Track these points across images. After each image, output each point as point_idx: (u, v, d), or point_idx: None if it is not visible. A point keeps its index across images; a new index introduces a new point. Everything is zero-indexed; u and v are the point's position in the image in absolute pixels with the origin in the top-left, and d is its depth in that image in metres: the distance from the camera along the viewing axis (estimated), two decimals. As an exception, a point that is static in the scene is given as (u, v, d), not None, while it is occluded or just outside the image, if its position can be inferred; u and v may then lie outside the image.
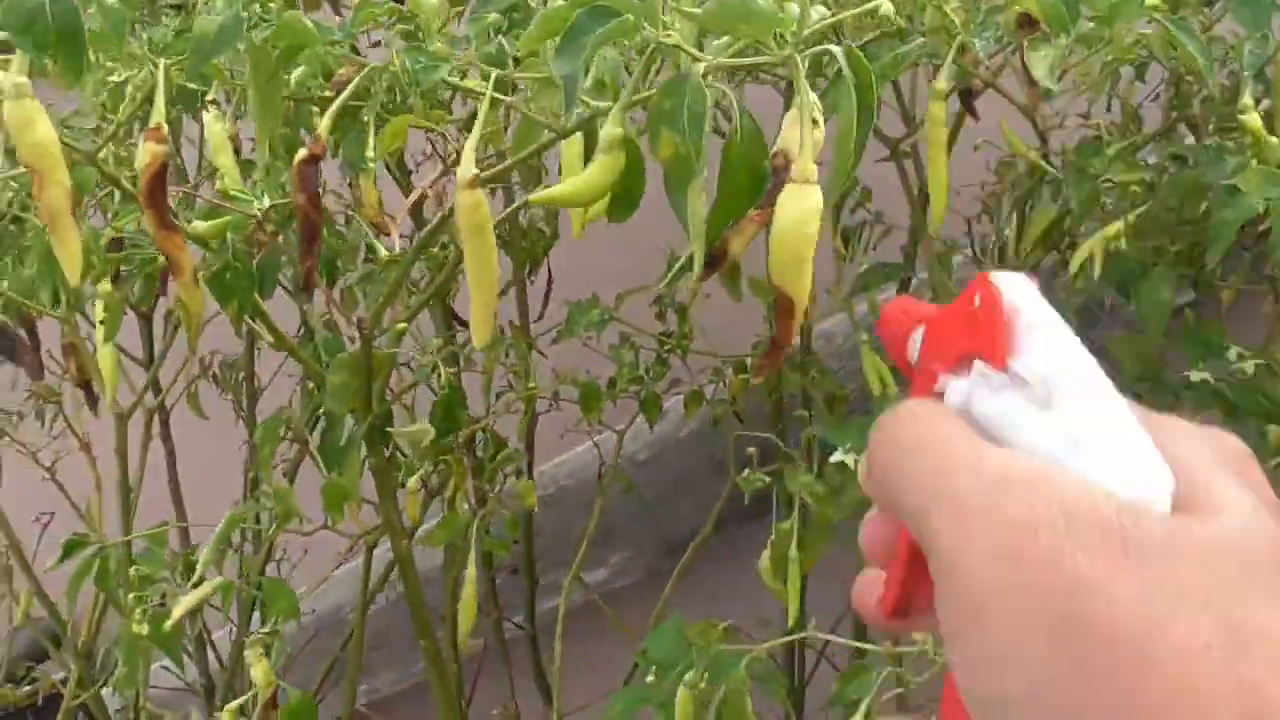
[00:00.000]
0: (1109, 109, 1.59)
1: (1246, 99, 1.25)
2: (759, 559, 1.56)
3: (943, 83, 1.14)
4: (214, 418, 2.15)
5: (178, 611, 1.20)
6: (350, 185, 1.38)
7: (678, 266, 0.85)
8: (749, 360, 1.80)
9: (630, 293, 1.72)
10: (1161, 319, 1.29)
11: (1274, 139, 1.12)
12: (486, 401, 1.67)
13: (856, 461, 1.44)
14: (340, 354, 1.13)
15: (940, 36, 1.22)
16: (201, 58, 0.83)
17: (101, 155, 0.98)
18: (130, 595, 1.20)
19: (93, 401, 1.47)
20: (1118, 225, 1.28)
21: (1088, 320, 1.75)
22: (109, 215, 1.21)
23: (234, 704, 1.24)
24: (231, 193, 1.12)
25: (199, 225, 1.03)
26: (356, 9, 0.87)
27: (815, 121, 0.77)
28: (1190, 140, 1.45)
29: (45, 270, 1.19)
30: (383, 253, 1.23)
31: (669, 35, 0.69)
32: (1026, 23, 1.19)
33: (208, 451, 2.18)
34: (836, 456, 1.43)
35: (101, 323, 1.10)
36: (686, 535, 2.94)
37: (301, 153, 0.84)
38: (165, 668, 1.82)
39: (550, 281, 2.20)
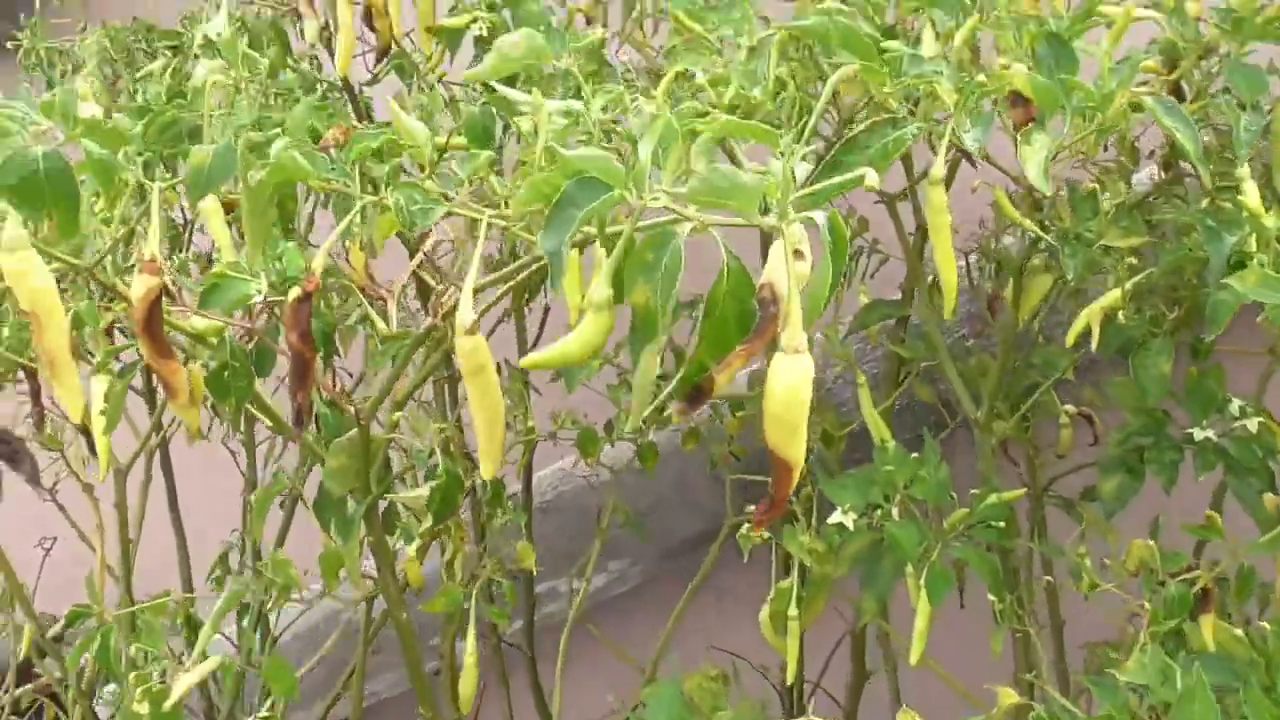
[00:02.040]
0: (1105, 148, 1.58)
1: (1242, 170, 1.24)
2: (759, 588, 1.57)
3: (940, 170, 1.14)
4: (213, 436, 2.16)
5: (178, 691, 1.21)
6: (345, 254, 1.38)
7: (664, 395, 0.84)
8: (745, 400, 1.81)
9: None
10: (1160, 390, 1.30)
11: (1271, 221, 1.12)
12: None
13: (855, 521, 1.45)
14: (338, 439, 1.14)
15: (934, 120, 1.22)
16: (199, 189, 0.83)
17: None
18: (131, 674, 1.21)
19: (94, 448, 1.48)
20: (1115, 294, 1.28)
21: (1090, 367, 1.75)
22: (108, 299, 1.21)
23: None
24: (228, 274, 1.12)
25: (198, 323, 1.03)
26: (351, 143, 0.87)
27: (799, 252, 0.77)
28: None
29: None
30: (381, 327, 1.23)
31: (656, 199, 0.69)
32: (1018, 101, 1.19)
33: (208, 473, 2.20)
34: (835, 517, 1.44)
35: (102, 413, 1.10)
36: (685, 542, 2.96)
37: (295, 291, 0.84)
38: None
39: (547, 311, 2.20)
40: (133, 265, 1.07)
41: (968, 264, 1.94)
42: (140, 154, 0.88)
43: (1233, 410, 1.47)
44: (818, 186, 0.70)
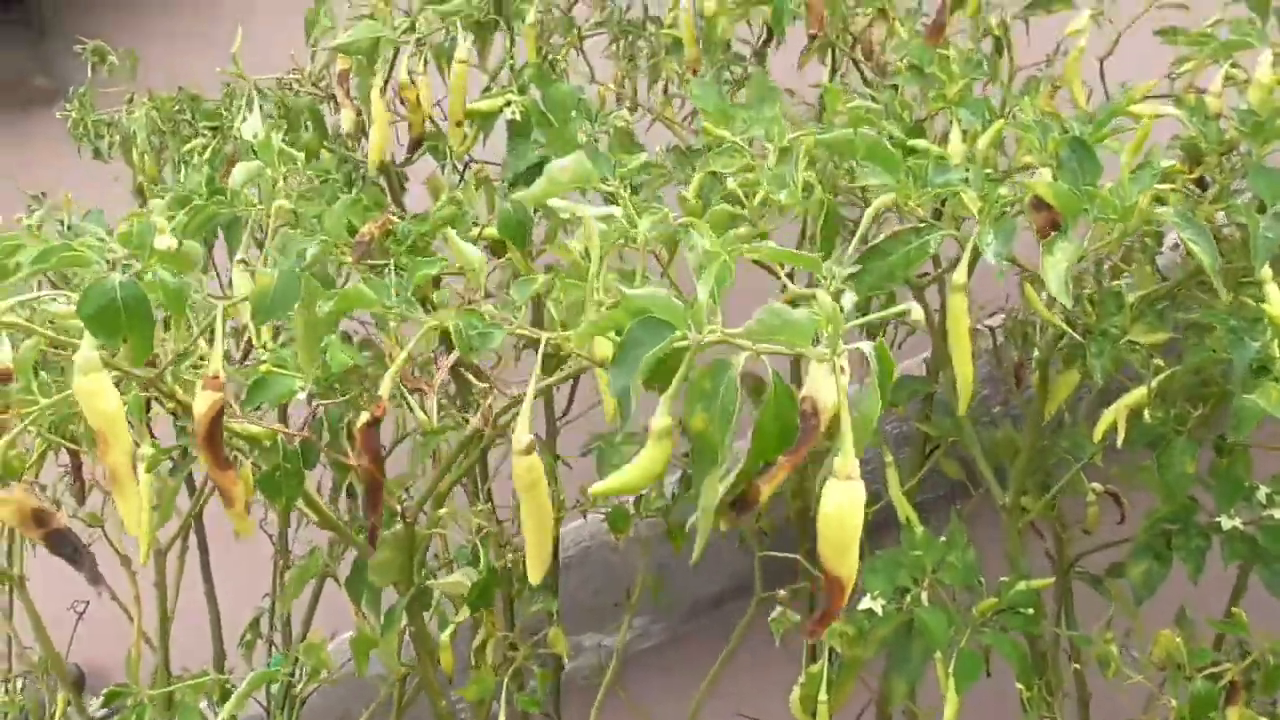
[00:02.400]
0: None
1: (1264, 271, 1.26)
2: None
3: (962, 277, 1.17)
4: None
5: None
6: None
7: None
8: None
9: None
10: (1184, 490, 1.32)
11: (1291, 329, 1.14)
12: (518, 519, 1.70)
13: (884, 607, 1.47)
14: (384, 533, 1.16)
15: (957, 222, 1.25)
16: (263, 315, 0.86)
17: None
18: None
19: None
20: (1141, 392, 1.31)
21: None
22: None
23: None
24: (274, 370, 1.15)
25: (251, 428, 1.06)
26: (412, 270, 0.90)
27: (842, 369, 0.80)
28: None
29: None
30: (422, 419, 1.26)
31: (713, 331, 0.72)
32: (1040, 206, 1.22)
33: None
34: (865, 603, 1.45)
35: (155, 508, 1.13)
36: (708, 599, 2.97)
37: (364, 416, 0.87)
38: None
39: (578, 378, 2.23)
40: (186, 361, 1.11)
41: (993, 333, 1.97)
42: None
43: (1260, 498, 1.48)
44: (864, 320, 0.73)
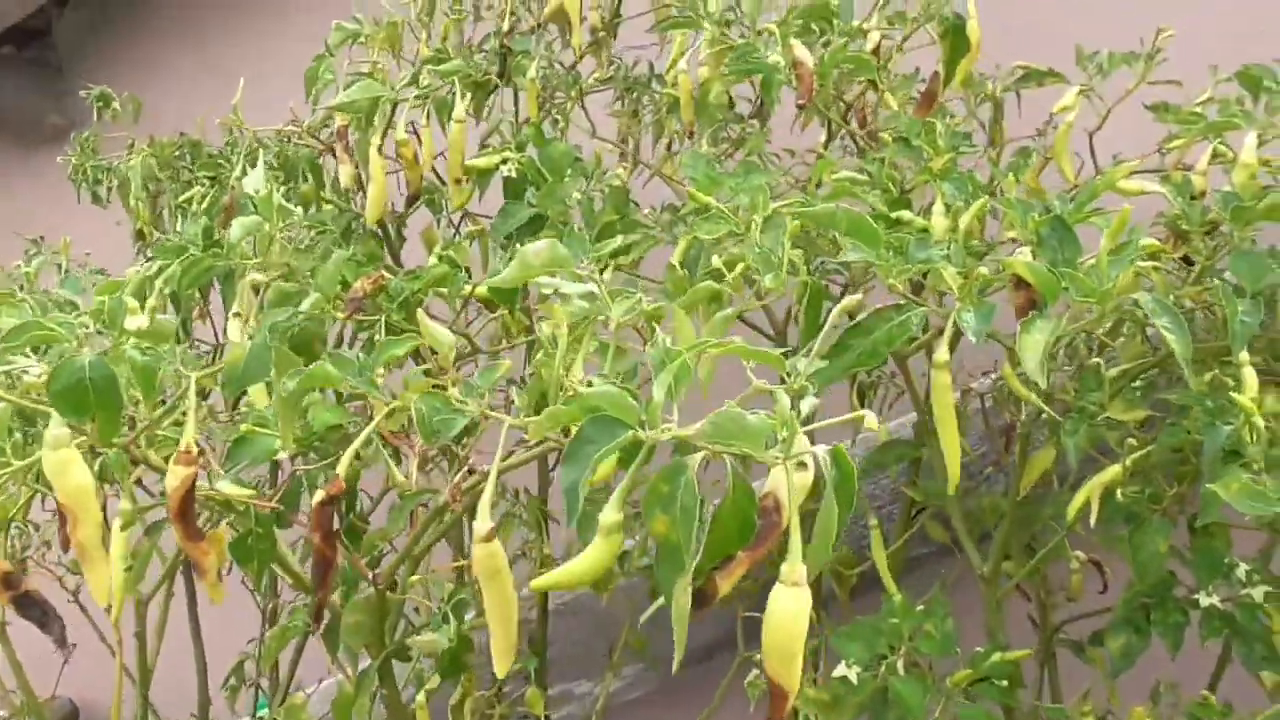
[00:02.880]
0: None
1: (1242, 355, 1.27)
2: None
3: (944, 354, 1.18)
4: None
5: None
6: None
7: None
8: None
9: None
10: (1157, 569, 1.32)
11: (1259, 422, 1.15)
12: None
13: (859, 675, 1.47)
14: (356, 598, 1.17)
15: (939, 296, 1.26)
16: (234, 386, 0.88)
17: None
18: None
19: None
20: (1116, 470, 1.31)
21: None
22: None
23: None
24: (255, 430, 1.17)
25: (227, 488, 1.07)
26: (380, 350, 0.92)
27: (803, 464, 0.81)
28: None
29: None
30: (400, 480, 1.27)
31: (667, 430, 0.73)
32: (1020, 284, 1.23)
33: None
34: (839, 670, 1.46)
35: (128, 569, 1.14)
36: (699, 650, 2.97)
37: (319, 495, 0.88)
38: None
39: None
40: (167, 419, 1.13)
41: (981, 398, 1.98)
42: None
43: (1239, 575, 1.48)
44: (821, 424, 0.74)
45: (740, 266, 1.23)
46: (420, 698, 1.35)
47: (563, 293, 1.03)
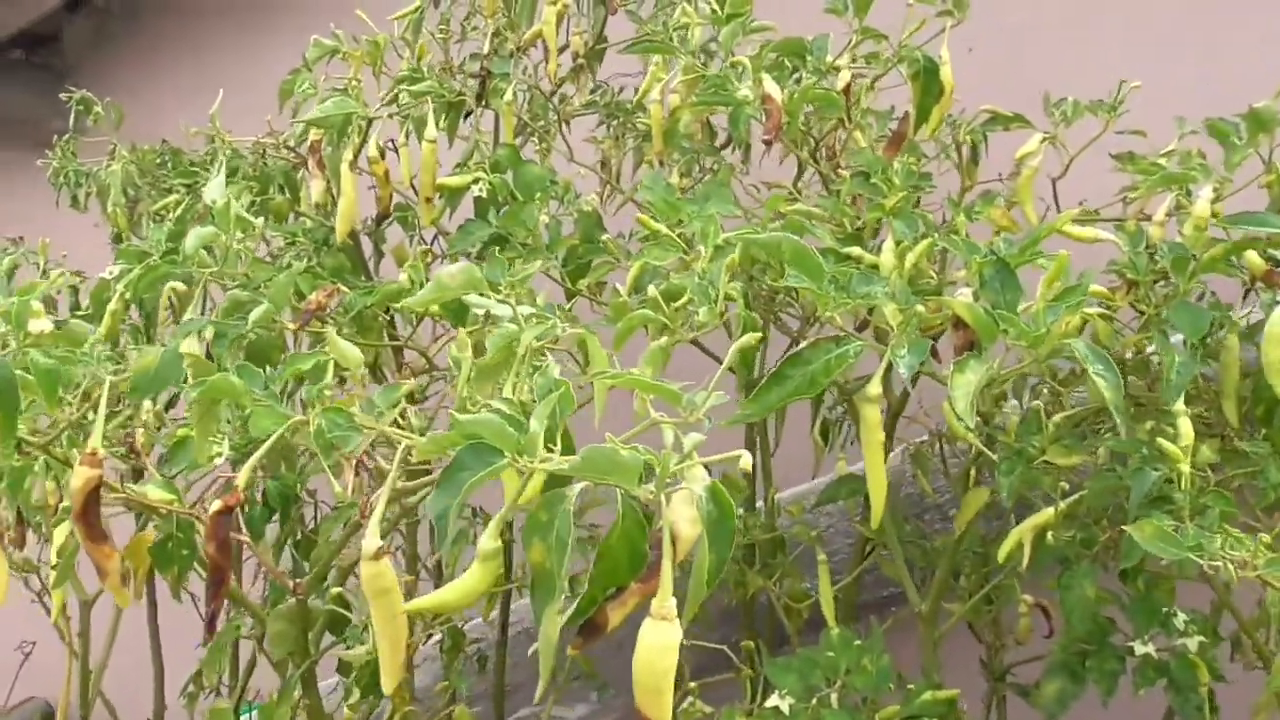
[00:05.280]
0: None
1: (1178, 405, 1.27)
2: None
3: (875, 388, 1.18)
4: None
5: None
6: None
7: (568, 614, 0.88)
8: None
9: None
10: (1085, 614, 1.32)
11: (1185, 468, 1.16)
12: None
13: (793, 706, 1.47)
14: (278, 607, 1.18)
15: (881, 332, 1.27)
16: (141, 392, 0.89)
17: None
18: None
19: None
20: (1049, 513, 1.32)
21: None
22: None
23: None
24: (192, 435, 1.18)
25: (151, 492, 1.08)
26: (288, 364, 0.93)
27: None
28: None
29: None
30: (338, 491, 1.28)
31: (547, 461, 0.74)
32: (959, 325, 1.23)
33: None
34: (772, 701, 1.46)
35: (54, 568, 1.15)
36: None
37: (216, 504, 0.89)
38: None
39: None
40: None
41: (939, 442, 1.99)
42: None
43: (1177, 624, 1.48)
44: (705, 460, 0.75)
45: (684, 298, 1.24)
46: (347, 712, 1.35)
47: (493, 314, 1.05)
